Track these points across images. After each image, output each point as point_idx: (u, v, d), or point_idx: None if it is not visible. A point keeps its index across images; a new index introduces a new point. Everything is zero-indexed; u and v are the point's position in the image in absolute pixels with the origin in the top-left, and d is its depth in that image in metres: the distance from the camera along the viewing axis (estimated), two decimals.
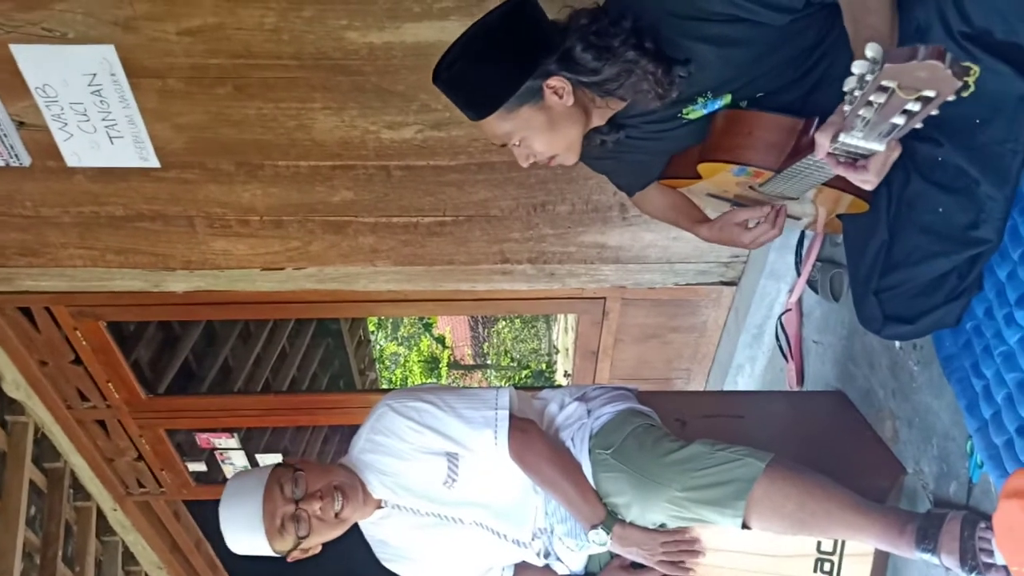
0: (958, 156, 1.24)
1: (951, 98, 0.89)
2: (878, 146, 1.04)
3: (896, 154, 1.10)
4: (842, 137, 1.03)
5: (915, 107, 0.91)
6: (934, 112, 0.92)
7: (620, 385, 1.92)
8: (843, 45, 1.19)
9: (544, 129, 1.41)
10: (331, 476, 1.63)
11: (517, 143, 1.44)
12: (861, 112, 0.96)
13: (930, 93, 0.88)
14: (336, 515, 1.60)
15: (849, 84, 0.92)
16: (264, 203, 2.39)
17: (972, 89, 1.00)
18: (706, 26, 1.32)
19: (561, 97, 1.38)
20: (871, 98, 0.91)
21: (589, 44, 1.35)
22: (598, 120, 1.48)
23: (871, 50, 0.87)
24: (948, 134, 1.25)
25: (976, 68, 0.99)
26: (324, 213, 2.43)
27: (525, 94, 1.37)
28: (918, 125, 0.95)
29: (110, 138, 2.17)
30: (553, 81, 1.37)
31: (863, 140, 1.03)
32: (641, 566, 1.68)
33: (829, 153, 1.09)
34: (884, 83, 0.88)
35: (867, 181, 1.12)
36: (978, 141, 1.22)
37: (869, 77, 0.89)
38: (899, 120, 0.94)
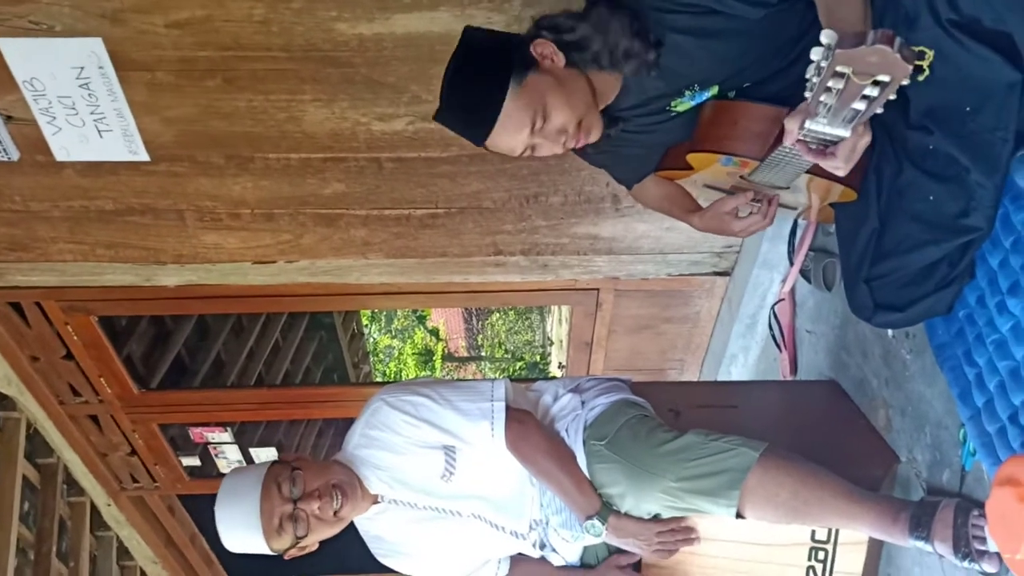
0: (949, 144, 1.24)
1: (905, 82, 0.90)
2: (843, 132, 1.05)
3: (865, 140, 1.11)
4: (808, 124, 1.05)
5: (872, 92, 0.92)
6: (892, 97, 0.93)
7: (614, 376, 1.92)
8: None
9: (557, 88, 1.37)
10: (329, 474, 1.61)
11: (540, 124, 1.38)
12: (822, 98, 0.97)
13: (884, 78, 0.89)
14: (335, 514, 1.59)
15: (809, 71, 0.94)
16: (255, 196, 2.38)
17: (927, 73, 1.01)
18: (682, 18, 1.33)
19: (553, 60, 1.39)
20: (829, 84, 0.93)
21: (562, 12, 1.40)
22: (600, 86, 1.44)
23: (825, 36, 0.89)
24: (939, 122, 1.25)
25: (930, 53, 1.00)
26: (315, 206, 2.43)
27: (521, 67, 1.36)
28: (879, 110, 0.96)
29: (99, 132, 2.15)
30: (539, 46, 1.38)
31: (828, 126, 1.04)
32: (638, 569, 1.69)
33: (799, 140, 1.10)
34: (839, 69, 0.89)
35: (837, 167, 1.13)
36: (968, 129, 1.22)
37: (824, 63, 0.90)
38: (859, 105, 0.95)
